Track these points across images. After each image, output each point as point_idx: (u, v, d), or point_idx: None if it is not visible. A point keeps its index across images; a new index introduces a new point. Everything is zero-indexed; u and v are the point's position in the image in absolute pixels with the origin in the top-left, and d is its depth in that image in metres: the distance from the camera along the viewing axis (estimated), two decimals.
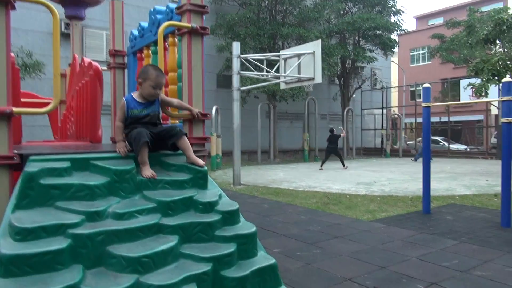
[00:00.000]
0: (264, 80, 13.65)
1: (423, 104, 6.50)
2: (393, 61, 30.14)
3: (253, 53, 16.63)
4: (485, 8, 25.00)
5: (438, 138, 26.84)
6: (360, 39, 22.71)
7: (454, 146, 25.46)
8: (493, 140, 23.49)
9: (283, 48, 18.42)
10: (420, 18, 41.20)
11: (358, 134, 25.16)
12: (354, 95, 24.12)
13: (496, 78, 11.38)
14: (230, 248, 2.13)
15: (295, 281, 3.43)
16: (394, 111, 28.06)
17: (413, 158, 19.12)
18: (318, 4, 19.67)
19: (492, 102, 22.97)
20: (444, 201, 7.51)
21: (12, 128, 2.17)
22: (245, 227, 2.30)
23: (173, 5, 3.10)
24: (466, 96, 20.74)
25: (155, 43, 3.38)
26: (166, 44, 3.26)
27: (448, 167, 15.01)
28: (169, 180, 2.35)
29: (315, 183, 10.52)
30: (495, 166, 15.31)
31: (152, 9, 3.43)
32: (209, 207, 2.28)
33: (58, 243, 1.75)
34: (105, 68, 4.08)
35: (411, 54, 36.65)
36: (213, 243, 2.16)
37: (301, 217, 6.20)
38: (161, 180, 2.33)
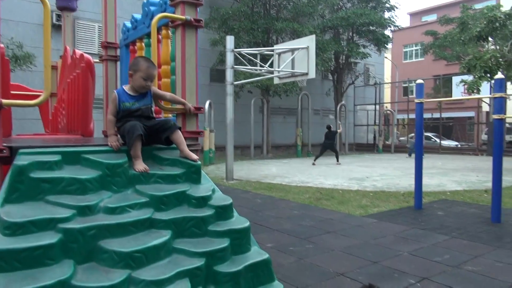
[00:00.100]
0: (258, 75, 13.59)
1: (416, 100, 6.52)
2: (386, 57, 30.22)
3: (247, 48, 16.55)
4: (478, 6, 25.13)
5: (429, 134, 27.03)
6: (354, 35, 22.71)
7: (446, 142, 25.67)
8: (484, 137, 23.73)
9: (277, 43, 18.36)
10: (414, 15, 41.32)
11: (350, 130, 25.25)
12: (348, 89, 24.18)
13: (488, 75, 11.46)
14: (224, 243, 2.11)
15: (288, 276, 3.43)
16: (386, 107, 28.19)
17: (407, 155, 19.23)
18: None
19: (484, 99, 23.17)
20: (435, 197, 7.57)
21: (1, 120, 2.13)
22: (238, 222, 2.29)
23: None
24: (458, 92, 20.89)
25: (148, 35, 3.34)
26: (160, 36, 3.22)
27: (439, 163, 15.14)
28: (162, 174, 2.33)
29: (307, 178, 10.54)
30: (485, 163, 15.47)
31: (145, 1, 3.38)
32: (202, 201, 2.26)
33: (48, 238, 1.72)
34: (97, 60, 4.02)
35: (404, 50, 36.77)
36: (206, 238, 2.14)
37: (293, 212, 6.20)
38: (154, 174, 2.31)
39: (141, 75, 2.49)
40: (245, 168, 13.42)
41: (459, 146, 25.79)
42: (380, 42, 22.41)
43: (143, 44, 3.50)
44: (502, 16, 12.47)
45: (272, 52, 12.54)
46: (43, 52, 2.12)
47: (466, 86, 12.43)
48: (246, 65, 12.17)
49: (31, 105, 2.21)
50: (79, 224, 1.83)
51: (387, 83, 31.44)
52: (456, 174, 11.47)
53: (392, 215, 5.99)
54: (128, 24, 3.75)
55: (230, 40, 10.50)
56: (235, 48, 10.78)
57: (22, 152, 2.08)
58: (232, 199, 2.53)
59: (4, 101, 2.09)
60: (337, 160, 15.03)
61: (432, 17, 36.59)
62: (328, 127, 15.09)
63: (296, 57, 11.74)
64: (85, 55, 3.61)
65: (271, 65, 12.23)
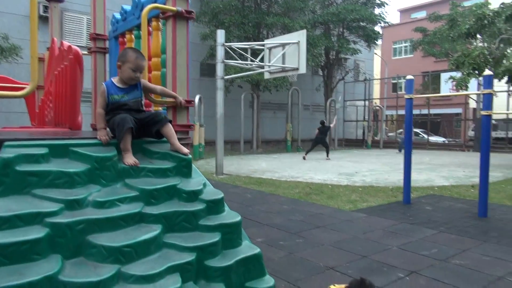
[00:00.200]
0: (248, 70, 13.53)
1: (406, 96, 6.56)
2: (376, 54, 30.38)
3: (237, 42, 16.46)
4: (467, 3, 25.36)
5: (417, 130, 27.31)
6: (345, 31, 22.77)
7: (433, 138, 25.98)
8: (471, 133, 24.06)
9: (267, 38, 18.31)
10: (403, 11, 41.56)
11: (340, 125, 25.37)
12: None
13: (477, 72, 11.59)
14: (215, 237, 2.10)
15: (278, 270, 3.43)
16: (375, 103, 28.37)
17: (398, 151, 19.40)
18: None
19: (471, 96, 23.46)
20: (423, 192, 7.65)
21: None
22: (229, 216, 2.27)
23: None
24: (446, 89, 21.12)
25: (138, 27, 3.28)
26: (150, 28, 3.16)
27: (427, 159, 15.31)
28: (152, 168, 2.29)
29: (297, 173, 10.57)
30: (472, 158, 15.71)
31: None
32: (193, 196, 2.24)
33: (35, 232, 1.68)
34: (85, 52, 3.94)
35: (394, 47, 37.00)
36: (197, 232, 2.12)
37: (283, 207, 6.21)
38: (144, 168, 2.27)
39: (129, 66, 2.44)
40: (235, 163, 13.40)
41: (446, 142, 26.12)
42: (370, 38, 22.51)
43: (132, 36, 3.44)
44: (490, 13, 12.60)
45: (262, 47, 12.49)
46: (30, 42, 2.07)
47: (454, 82, 12.56)
48: (237, 60, 12.11)
49: (17, 97, 2.16)
50: (67, 218, 1.79)
51: (377, 79, 31.62)
52: (443, 170, 11.61)
53: (381, 210, 6.04)
54: (118, 16, 3.68)
55: (221, 34, 10.43)
56: (226, 42, 10.70)
57: (8, 145, 2.03)
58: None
59: None
60: (327, 155, 15.12)
61: (422, 14, 36.84)
62: (322, 122, 15.20)
63: (287, 52, 11.72)
64: (73, 46, 3.54)
65: (261, 60, 12.19)
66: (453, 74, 13.24)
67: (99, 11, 3.80)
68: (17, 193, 1.88)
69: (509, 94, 16.54)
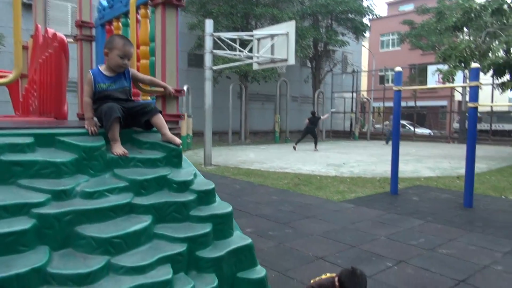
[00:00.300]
0: (237, 60, 13.43)
1: (394, 88, 6.59)
2: (363, 46, 30.47)
3: (225, 32, 16.30)
4: None
5: (404, 122, 27.61)
6: (333, 22, 22.75)
7: (419, 130, 26.30)
8: (456, 125, 24.44)
9: (256, 28, 18.16)
10: (391, 4, 41.61)
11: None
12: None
13: (463, 64, 11.72)
14: (206, 228, 2.07)
15: (268, 260, 3.44)
16: (363, 95, 28.54)
17: (385, 143, 19.58)
18: None
19: (457, 88, 23.78)
20: (410, 183, 7.75)
21: None
22: (221, 206, 2.25)
23: None
24: (433, 81, 21.35)
25: (126, 14, 3.20)
26: (138, 16, 3.08)
27: (413, 150, 15.51)
28: (142, 158, 2.25)
29: (286, 164, 10.59)
30: (457, 150, 15.97)
31: None
32: (184, 186, 2.21)
33: (21, 224, 1.63)
34: (71, 40, 3.83)
35: (381, 39, 37.13)
36: (188, 223, 2.09)
37: (272, 198, 6.22)
38: (133, 158, 2.22)
39: (117, 53, 2.37)
40: (223, 154, 13.36)
41: (432, 134, 26.49)
42: (359, 30, 22.57)
43: (120, 24, 3.36)
44: (477, 7, 12.72)
45: (251, 37, 12.40)
46: (13, 26, 1.99)
47: (441, 75, 12.68)
48: (225, 50, 11.99)
49: (0, 84, 2.08)
50: (55, 209, 1.75)
51: (365, 71, 31.78)
52: (429, 161, 11.78)
53: (369, 200, 6.10)
54: (104, 3, 3.57)
55: (209, 24, 10.30)
56: (214, 32, 10.58)
57: None
58: None
59: None
60: (315, 147, 15.20)
61: (409, 7, 36.96)
62: (313, 113, 15.33)
63: (276, 43, 11.65)
64: (58, 34, 3.43)
65: (250, 51, 12.10)
66: (440, 66, 13.36)
67: None
68: (1, 184, 1.82)
69: (494, 87, 16.78)
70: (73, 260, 1.66)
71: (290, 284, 3.03)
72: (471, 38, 13.59)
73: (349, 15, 22.04)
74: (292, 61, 11.47)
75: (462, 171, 9.06)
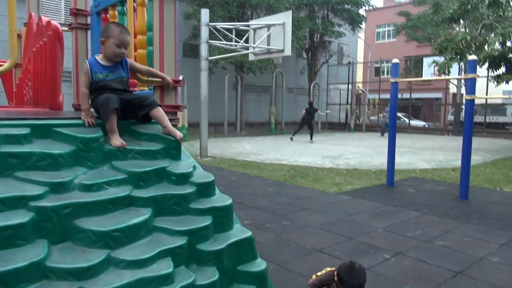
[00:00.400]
0: (233, 51, 13.32)
1: (392, 80, 6.57)
2: (359, 37, 30.37)
3: (221, 22, 16.15)
4: None
5: (399, 114, 27.66)
6: (329, 13, 22.61)
7: (414, 122, 26.39)
8: (450, 117, 24.54)
9: (252, 18, 18.02)
10: None
11: (323, 109, 25.47)
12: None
13: (459, 56, 11.71)
14: (206, 221, 2.05)
15: (266, 252, 3.43)
16: (358, 86, 28.52)
17: (380, 134, 19.63)
18: None
19: (452, 81, 23.83)
20: (406, 175, 7.78)
21: None
22: (220, 199, 2.23)
23: None
24: (428, 73, 21.35)
25: (122, 2, 3.13)
26: (135, 4, 3.02)
27: (408, 142, 15.57)
28: (140, 150, 2.21)
29: (282, 156, 10.58)
30: (451, 142, 16.06)
31: None
32: (183, 178, 2.18)
33: (19, 217, 1.59)
34: (65, 29, 3.76)
35: (377, 31, 37.04)
36: (187, 216, 2.07)
37: (269, 190, 6.21)
38: (132, 149, 2.18)
39: (114, 42, 2.30)
40: (219, 146, 13.32)
41: (427, 126, 26.60)
42: (355, 21, 22.47)
43: (116, 12, 3.29)
44: None
45: (247, 28, 12.29)
46: (8, 14, 1.93)
47: (437, 67, 12.69)
48: (221, 40, 11.88)
49: None
50: (53, 202, 1.71)
51: (361, 62, 31.72)
52: (424, 153, 11.83)
53: (365, 192, 6.11)
54: None
55: (205, 14, 10.18)
56: (210, 22, 10.46)
57: None
58: None
59: None
60: (311, 138, 15.21)
61: None
62: (310, 103, 15.32)
63: (272, 33, 11.56)
64: (53, 22, 3.36)
65: (246, 41, 12.00)
66: (436, 58, 13.35)
67: None
68: None
69: (489, 80, 16.84)
70: (73, 253, 1.63)
71: (288, 276, 3.03)
72: (467, 30, 13.56)
73: (346, 5, 21.91)
74: (288, 52, 11.40)
75: (457, 163, 9.13)
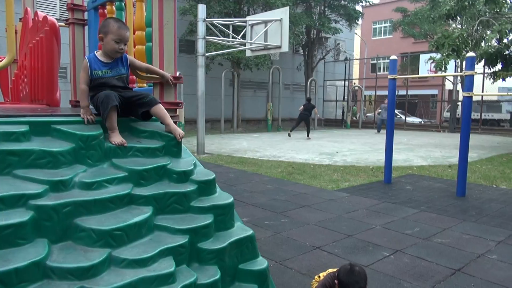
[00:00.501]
0: (229, 47, 13.26)
1: (390, 76, 6.57)
2: (356, 34, 30.35)
3: (217, 18, 16.06)
4: None
5: (395, 111, 27.71)
6: (326, 9, 22.56)
7: (410, 119, 26.47)
8: (446, 114, 24.64)
9: (248, 14, 17.92)
10: None
11: (320, 105, 25.48)
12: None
13: (456, 53, 11.74)
14: (207, 219, 2.03)
15: (265, 250, 3.42)
16: (355, 83, 28.54)
17: (376, 131, 19.66)
18: None
19: (447, 77, 23.90)
20: (403, 172, 7.80)
21: None
22: (222, 197, 2.21)
23: None
24: (425, 70, 21.40)
25: None
26: None
27: (405, 139, 15.61)
28: (140, 147, 2.19)
29: (279, 153, 10.58)
30: (447, 139, 16.13)
31: None
32: (184, 176, 2.16)
33: (19, 216, 1.57)
34: (62, 24, 3.71)
35: (374, 27, 37.03)
36: (189, 214, 2.05)
37: (267, 186, 6.20)
38: (132, 147, 2.16)
39: (112, 38, 2.27)
40: (216, 142, 13.29)
41: (423, 123, 26.69)
42: (352, 18, 22.44)
43: (113, 7, 3.25)
44: None
45: (244, 24, 12.23)
46: (6, 9, 1.89)
47: (434, 63, 12.71)
48: (218, 36, 11.82)
49: None
50: (53, 200, 1.69)
51: (358, 59, 31.73)
52: (421, 150, 11.86)
53: (363, 189, 6.12)
54: None
55: (202, 9, 10.11)
56: (206, 18, 10.40)
57: None
58: None
59: None
60: (308, 135, 15.21)
61: None
62: (308, 99, 15.32)
63: (269, 29, 11.51)
64: (49, 17, 3.31)
65: (243, 37, 11.94)
66: (433, 55, 13.37)
67: None
68: None
69: (485, 77, 16.91)
70: (73, 253, 1.61)
71: (288, 273, 3.02)
72: (464, 27, 13.59)
73: (342, 1, 21.87)
74: (286, 48, 11.37)
75: (454, 160, 9.17)
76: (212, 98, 18.74)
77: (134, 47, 3.01)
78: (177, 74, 2.75)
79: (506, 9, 12.51)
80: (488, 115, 24.11)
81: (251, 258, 2.13)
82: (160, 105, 2.31)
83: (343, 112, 25.82)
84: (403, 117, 24.79)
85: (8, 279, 1.41)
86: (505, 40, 12.09)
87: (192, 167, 2.24)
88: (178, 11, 17.22)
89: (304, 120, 15.03)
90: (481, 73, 16.70)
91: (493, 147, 13.25)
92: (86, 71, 2.28)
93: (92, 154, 2.03)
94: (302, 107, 15.19)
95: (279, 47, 11.37)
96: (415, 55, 25.66)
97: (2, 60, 2.17)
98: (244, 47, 12.58)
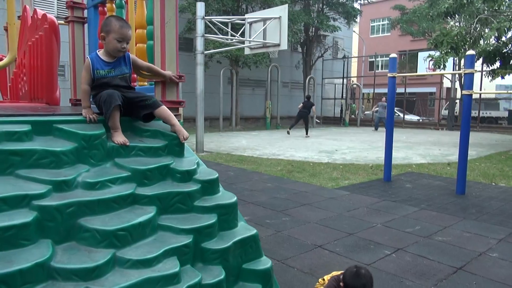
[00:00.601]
0: (228, 45, 13.22)
1: (389, 74, 6.56)
2: (354, 31, 30.33)
3: (216, 16, 16.01)
4: None
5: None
6: (324, 7, 22.53)
7: (408, 117, 26.50)
8: (444, 112, 24.67)
9: (247, 12, 17.88)
10: None
11: (318, 103, 25.46)
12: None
13: (454, 51, 11.74)
14: (211, 219, 2.02)
15: (267, 249, 3.41)
16: (353, 81, 28.53)
17: (374, 129, 19.67)
18: None
19: (446, 75, 23.92)
20: (402, 170, 7.81)
21: None
22: (225, 197, 2.20)
23: None
24: (423, 68, 21.41)
25: None
26: None
27: (403, 137, 15.63)
28: (143, 146, 2.17)
29: (278, 151, 10.57)
30: (446, 137, 16.15)
31: None
32: (187, 176, 2.14)
33: (22, 217, 1.56)
34: (61, 22, 3.68)
35: (372, 25, 37.01)
36: (192, 214, 2.04)
37: (267, 185, 6.20)
38: (135, 146, 2.14)
39: (114, 37, 2.24)
40: (215, 140, 13.27)
41: (421, 120, 26.72)
42: (350, 15, 22.41)
43: (113, 5, 3.22)
44: None
45: (243, 22, 12.19)
46: (7, 9, 1.87)
47: (432, 61, 12.71)
48: (216, 34, 11.78)
49: None
50: (56, 200, 1.67)
51: (356, 57, 31.72)
52: (419, 148, 11.88)
53: (363, 187, 6.12)
54: None
55: (200, 7, 10.07)
56: (205, 15, 10.35)
57: None
58: None
59: None
60: (306, 133, 15.21)
61: None
62: (308, 97, 15.34)
63: (268, 27, 11.48)
64: (48, 15, 3.28)
65: (242, 35, 11.91)
66: (432, 53, 13.37)
67: None
68: None
69: (483, 75, 16.94)
70: (78, 253, 1.60)
71: (290, 272, 3.02)
72: (463, 25, 13.59)
73: None
74: (284, 46, 11.34)
75: (453, 157, 9.19)
76: (211, 96, 18.70)
77: (135, 45, 2.99)
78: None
79: (505, 7, 12.50)
80: (486, 113, 24.16)
81: (255, 257, 2.12)
82: (164, 107, 2.28)
83: (341, 110, 25.81)
84: (401, 115, 24.80)
85: (12, 280, 1.39)
86: (503, 38, 12.09)
87: (195, 166, 2.23)
88: None
89: (303, 118, 15.04)
90: (479, 71, 16.72)
91: (491, 145, 13.28)
92: (88, 71, 2.26)
93: (94, 154, 2.01)
94: (301, 104, 15.19)
95: (278, 45, 11.35)
96: (414, 53, 25.66)
97: (2, 58, 2.15)
98: (242, 45, 12.55)
